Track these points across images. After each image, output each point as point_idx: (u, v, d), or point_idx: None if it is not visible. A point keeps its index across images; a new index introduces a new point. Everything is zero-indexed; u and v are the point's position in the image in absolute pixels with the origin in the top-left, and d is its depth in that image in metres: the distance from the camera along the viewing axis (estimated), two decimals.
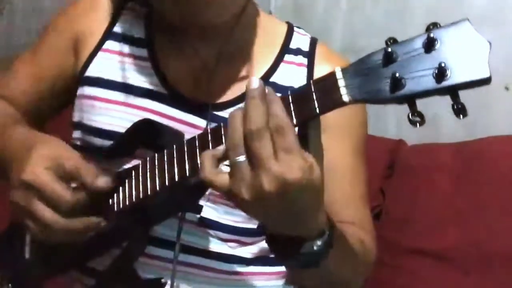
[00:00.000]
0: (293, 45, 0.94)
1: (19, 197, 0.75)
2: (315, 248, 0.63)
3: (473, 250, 1.23)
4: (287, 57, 0.93)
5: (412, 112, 0.56)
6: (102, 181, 0.76)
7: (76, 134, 0.92)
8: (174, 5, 0.83)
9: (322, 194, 0.62)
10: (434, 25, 0.55)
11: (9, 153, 0.81)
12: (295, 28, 0.97)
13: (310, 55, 0.93)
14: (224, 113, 0.87)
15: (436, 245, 1.27)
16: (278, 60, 0.92)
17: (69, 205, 0.74)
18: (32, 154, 0.75)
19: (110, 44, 0.92)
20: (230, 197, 0.60)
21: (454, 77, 0.53)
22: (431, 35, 0.54)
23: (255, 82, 0.59)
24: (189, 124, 0.86)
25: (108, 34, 0.93)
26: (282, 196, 0.57)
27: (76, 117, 0.92)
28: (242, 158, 0.57)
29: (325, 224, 0.64)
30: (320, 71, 0.91)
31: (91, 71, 0.91)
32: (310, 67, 0.92)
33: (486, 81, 0.52)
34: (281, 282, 0.92)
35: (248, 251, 0.89)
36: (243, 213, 0.90)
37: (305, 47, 0.94)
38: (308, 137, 0.60)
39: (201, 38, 0.89)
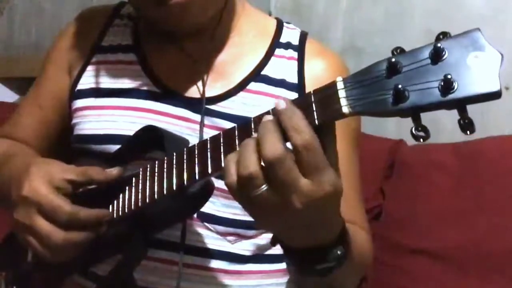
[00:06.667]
0: (283, 39, 0.96)
1: (20, 214, 0.76)
2: (339, 252, 0.62)
3: (473, 250, 1.23)
4: (278, 51, 0.94)
5: (416, 126, 0.53)
6: (114, 170, 0.78)
7: (75, 146, 0.94)
8: (157, 12, 0.85)
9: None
10: (444, 35, 0.52)
11: (9, 182, 0.82)
12: (284, 23, 0.99)
13: (300, 49, 0.95)
14: (217, 107, 0.89)
15: (436, 245, 1.27)
16: (269, 54, 0.94)
17: (67, 216, 0.74)
18: (30, 172, 0.77)
19: (98, 57, 0.95)
20: (249, 210, 0.59)
21: (461, 90, 0.50)
22: (439, 45, 0.51)
23: (282, 103, 0.57)
24: (184, 119, 0.88)
25: (96, 49, 0.96)
26: (312, 210, 0.56)
27: (73, 132, 0.94)
28: (264, 187, 0.55)
29: (341, 227, 0.64)
30: (311, 66, 0.93)
31: (82, 84, 0.94)
32: (301, 61, 0.94)
33: (495, 95, 0.49)
34: (280, 280, 0.92)
35: (246, 248, 0.89)
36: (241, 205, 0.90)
37: (295, 41, 0.96)
38: (325, 145, 0.57)
39: (187, 37, 0.92)
